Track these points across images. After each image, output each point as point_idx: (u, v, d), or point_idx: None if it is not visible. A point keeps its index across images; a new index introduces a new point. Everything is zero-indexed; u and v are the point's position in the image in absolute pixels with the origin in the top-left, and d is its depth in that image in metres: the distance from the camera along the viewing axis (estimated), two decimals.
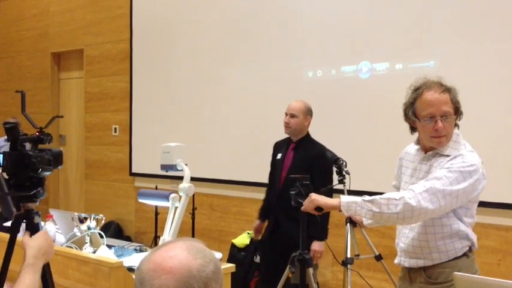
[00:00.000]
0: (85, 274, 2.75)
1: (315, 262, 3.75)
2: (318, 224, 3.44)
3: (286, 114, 4.03)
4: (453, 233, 2.44)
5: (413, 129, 2.59)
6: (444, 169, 2.39)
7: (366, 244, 3.83)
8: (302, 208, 2.64)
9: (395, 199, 2.34)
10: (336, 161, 3.77)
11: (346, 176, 3.71)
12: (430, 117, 2.43)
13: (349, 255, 3.66)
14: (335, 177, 3.79)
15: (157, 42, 6.67)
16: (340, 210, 2.45)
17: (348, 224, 3.63)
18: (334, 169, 3.79)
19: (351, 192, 4.02)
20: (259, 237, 4.33)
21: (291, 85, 5.37)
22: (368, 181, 4.40)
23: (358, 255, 3.75)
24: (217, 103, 6.04)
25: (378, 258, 3.83)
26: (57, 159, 2.32)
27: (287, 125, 4.02)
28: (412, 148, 2.67)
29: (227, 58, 5.94)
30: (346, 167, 3.74)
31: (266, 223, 4.27)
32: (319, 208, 2.57)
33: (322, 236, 3.80)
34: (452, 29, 4.43)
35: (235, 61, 5.87)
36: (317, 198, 2.57)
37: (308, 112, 4.04)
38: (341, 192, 3.61)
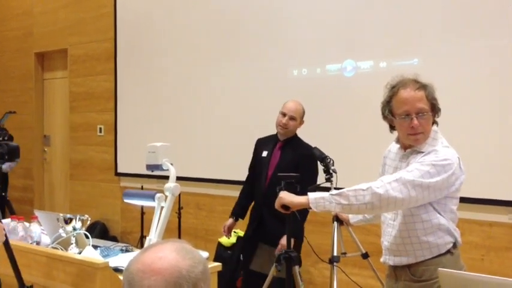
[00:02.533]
0: (71, 275, 2.74)
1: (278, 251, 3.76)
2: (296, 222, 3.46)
3: (284, 115, 3.99)
4: (435, 229, 2.44)
5: (392, 127, 2.60)
6: (417, 163, 2.40)
7: (352, 242, 3.85)
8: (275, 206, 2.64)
9: (363, 189, 2.34)
10: (323, 159, 3.78)
11: (333, 174, 3.73)
12: (406, 114, 2.44)
13: (335, 254, 3.67)
14: (322, 176, 3.80)
15: (142, 42, 6.65)
16: (310, 208, 2.44)
17: (335, 222, 3.64)
18: (321, 167, 3.80)
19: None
20: (229, 237, 4.34)
21: (276, 84, 5.38)
22: (353, 179, 4.39)
23: (344, 253, 3.76)
24: (202, 102, 6.04)
25: (365, 256, 3.85)
26: (12, 153, 2.38)
27: (285, 126, 3.98)
28: (394, 146, 2.68)
29: (212, 58, 5.94)
30: (333, 165, 3.75)
31: (236, 221, 4.27)
32: (285, 206, 2.57)
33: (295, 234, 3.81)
34: (436, 26, 4.46)
35: (221, 61, 5.87)
36: (284, 197, 2.56)
37: (304, 115, 4.06)
38: (328, 190, 3.62)
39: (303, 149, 3.99)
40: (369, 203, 2.33)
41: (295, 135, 4.08)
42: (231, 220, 4.25)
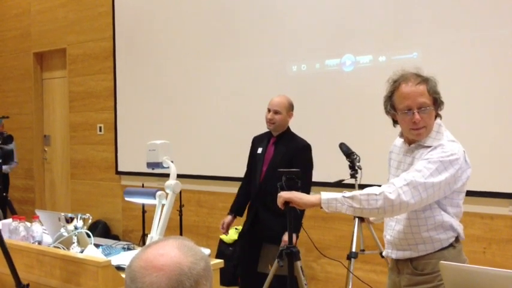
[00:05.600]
0: (73, 274, 2.74)
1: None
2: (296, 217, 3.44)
3: (269, 110, 4.02)
4: (437, 225, 2.44)
5: (395, 122, 2.59)
6: (424, 160, 2.38)
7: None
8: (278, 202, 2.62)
9: (376, 194, 2.33)
10: (349, 155, 3.79)
11: (358, 170, 3.72)
12: (408, 109, 2.42)
13: (354, 250, 3.68)
14: (346, 172, 3.79)
15: (141, 40, 6.64)
16: (321, 207, 2.42)
17: (356, 219, 3.66)
18: (347, 163, 3.80)
19: (338, 185, 4.06)
20: (227, 233, 4.35)
21: (275, 80, 5.38)
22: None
23: (363, 250, 3.77)
24: (202, 99, 6.04)
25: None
26: (7, 156, 2.42)
27: (271, 121, 4.02)
28: (399, 141, 2.67)
29: (211, 54, 5.94)
30: (359, 161, 3.75)
31: (235, 218, 4.26)
32: (286, 204, 2.56)
33: (294, 228, 3.81)
34: (435, 19, 4.46)
35: (220, 57, 5.86)
36: (292, 197, 2.50)
37: (291, 107, 4.06)
38: (352, 186, 3.63)
39: (296, 143, 4.02)
40: (381, 208, 2.32)
41: (288, 129, 4.09)
42: (229, 217, 4.26)
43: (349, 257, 3.70)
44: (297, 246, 3.90)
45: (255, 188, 4.10)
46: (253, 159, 4.21)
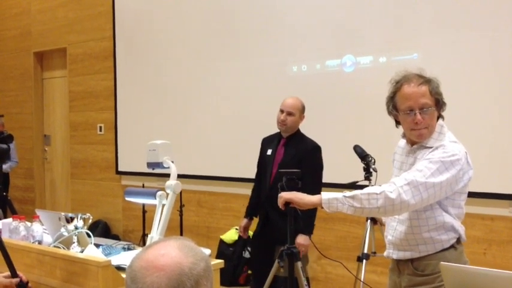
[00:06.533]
0: (73, 274, 2.74)
1: (301, 255, 3.76)
2: (304, 218, 3.42)
3: (282, 111, 3.97)
4: (438, 225, 2.44)
5: (398, 122, 2.59)
6: (425, 160, 2.38)
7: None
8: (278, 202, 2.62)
9: (376, 193, 2.33)
10: (364, 157, 3.77)
11: (373, 173, 3.70)
12: (409, 110, 2.43)
13: (365, 251, 3.68)
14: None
15: (141, 39, 6.64)
16: (322, 207, 2.43)
17: (368, 220, 3.65)
18: (362, 165, 3.78)
19: (338, 186, 4.06)
20: (246, 236, 4.33)
21: (275, 80, 5.38)
22: (353, 174, 4.42)
23: (374, 252, 3.77)
24: (202, 99, 6.04)
25: None
26: (2, 155, 2.44)
27: (283, 123, 3.97)
28: (402, 142, 2.68)
29: (212, 55, 5.93)
30: (374, 164, 3.73)
31: (253, 221, 4.27)
32: (286, 204, 2.56)
33: (307, 230, 3.81)
34: (435, 20, 4.46)
35: (220, 58, 5.86)
36: (292, 197, 2.52)
37: (303, 109, 4.03)
38: (361, 188, 3.62)
39: (306, 144, 3.99)
40: (381, 207, 2.32)
41: (298, 131, 4.07)
42: (245, 220, 4.25)
43: (360, 259, 3.69)
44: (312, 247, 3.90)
45: (265, 190, 4.07)
46: (263, 160, 4.19)
